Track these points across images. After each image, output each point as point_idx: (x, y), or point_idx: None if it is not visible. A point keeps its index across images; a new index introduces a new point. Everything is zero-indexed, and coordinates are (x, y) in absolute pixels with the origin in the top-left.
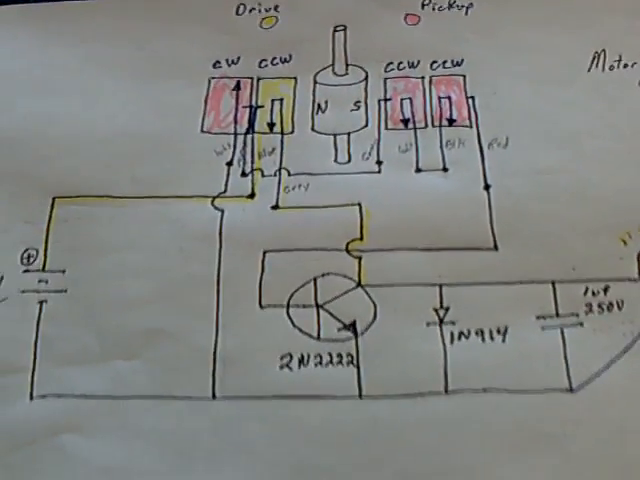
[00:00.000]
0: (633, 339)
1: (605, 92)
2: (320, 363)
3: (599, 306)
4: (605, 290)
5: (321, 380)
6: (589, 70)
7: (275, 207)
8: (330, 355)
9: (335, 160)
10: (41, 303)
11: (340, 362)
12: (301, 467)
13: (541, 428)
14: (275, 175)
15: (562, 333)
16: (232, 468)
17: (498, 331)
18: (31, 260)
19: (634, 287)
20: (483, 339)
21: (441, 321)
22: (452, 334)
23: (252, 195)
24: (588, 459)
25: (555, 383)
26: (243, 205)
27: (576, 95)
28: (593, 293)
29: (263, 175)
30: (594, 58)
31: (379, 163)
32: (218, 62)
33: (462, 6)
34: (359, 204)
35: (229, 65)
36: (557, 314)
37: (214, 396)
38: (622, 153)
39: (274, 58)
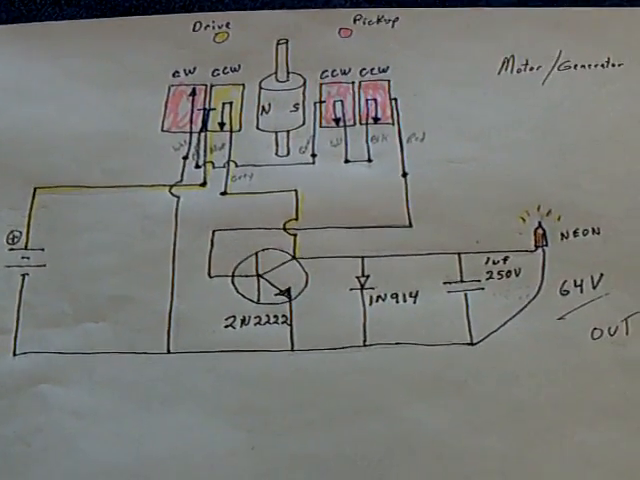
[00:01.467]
0: (528, 301)
1: (512, 92)
2: (259, 323)
3: (499, 273)
4: (505, 260)
5: (260, 337)
6: (499, 73)
7: (224, 193)
8: (268, 316)
9: (276, 153)
10: (23, 276)
11: (276, 322)
12: (243, 410)
13: (446, 376)
14: (224, 167)
15: (465, 296)
16: (184, 411)
17: (410, 294)
18: (15, 240)
19: (530, 257)
20: (397, 301)
21: (362, 287)
22: (371, 297)
23: (204, 184)
24: (486, 402)
25: (458, 338)
26: (196, 192)
27: (487, 95)
28: (494, 262)
29: (214, 167)
30: (504, 63)
31: (313, 156)
32: (177, 72)
33: (389, 20)
34: (295, 190)
35: (186, 74)
36: (461, 280)
37: (169, 351)
38: (525, 144)
39: (225, 68)
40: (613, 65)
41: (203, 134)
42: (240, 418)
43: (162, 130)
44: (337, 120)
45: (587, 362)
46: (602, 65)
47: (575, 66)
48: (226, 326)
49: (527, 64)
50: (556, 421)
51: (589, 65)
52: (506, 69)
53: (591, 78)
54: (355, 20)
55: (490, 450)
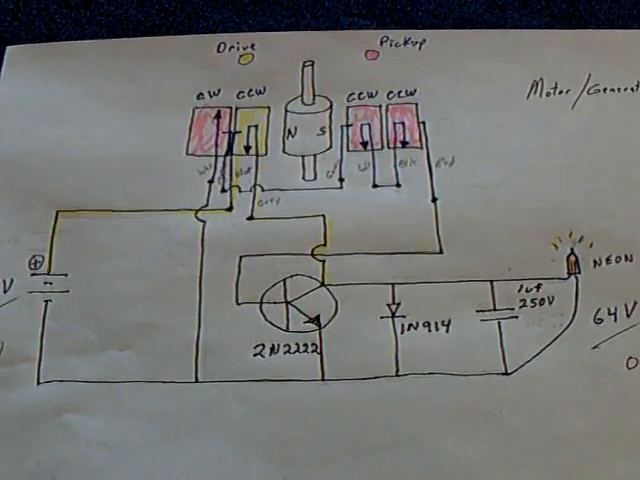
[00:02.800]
0: (562, 330)
1: (541, 116)
2: (288, 351)
3: (532, 301)
4: (538, 287)
5: (289, 366)
6: (528, 97)
7: (250, 218)
8: (297, 345)
9: (303, 178)
10: (46, 302)
11: (306, 350)
12: (273, 441)
13: (480, 406)
14: (250, 191)
15: (499, 324)
16: (212, 442)
17: (442, 323)
18: (38, 265)
19: (563, 285)
20: (429, 330)
21: (393, 315)
22: (402, 326)
23: (230, 208)
24: (521, 434)
25: (492, 367)
26: (222, 217)
27: (515, 119)
28: (527, 290)
29: (240, 191)
30: (533, 86)
31: (341, 180)
32: (201, 94)
33: (416, 42)
34: (323, 215)
35: (211, 96)
36: (494, 308)
37: (197, 380)
38: (554, 169)
39: (250, 90)
40: None
41: (229, 158)
42: (271, 450)
43: (187, 153)
44: (364, 144)
45: (623, 392)
46: (632, 89)
47: (604, 90)
48: (255, 354)
49: (556, 87)
50: (592, 453)
51: (618, 89)
52: (535, 92)
53: (621, 102)
54: (382, 42)
55: None
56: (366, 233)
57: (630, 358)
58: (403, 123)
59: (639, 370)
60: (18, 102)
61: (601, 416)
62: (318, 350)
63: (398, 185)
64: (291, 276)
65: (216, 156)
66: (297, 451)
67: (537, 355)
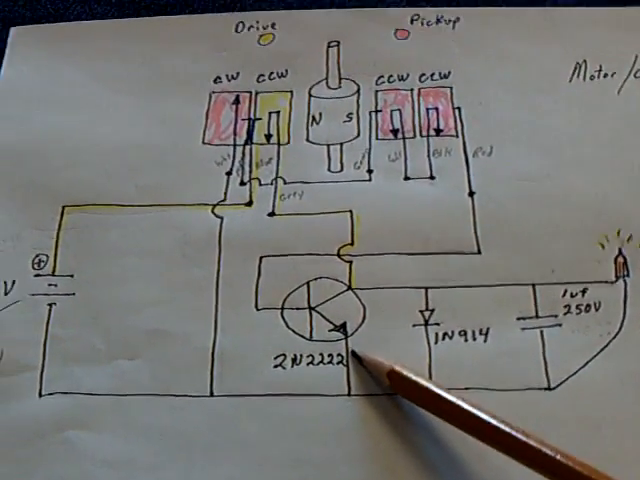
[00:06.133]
0: (610, 339)
1: (586, 101)
2: (312, 362)
3: (577, 307)
4: (583, 292)
5: (312, 379)
6: (570, 80)
7: (271, 214)
8: (321, 355)
9: (328, 169)
10: (50, 305)
11: (330, 362)
12: (294, 461)
13: (521, 425)
14: (272, 184)
15: (541, 333)
16: (229, 462)
17: (480, 332)
18: (41, 265)
19: (611, 289)
20: (466, 339)
21: (426, 322)
22: (437, 335)
23: (250, 203)
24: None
25: (534, 382)
26: (241, 212)
27: (558, 104)
28: (572, 295)
29: (260, 184)
30: (575, 68)
31: (370, 172)
32: (219, 78)
33: (449, 20)
34: (350, 211)
35: (229, 80)
36: (537, 315)
37: (212, 394)
38: (602, 160)
39: (271, 73)
40: None
41: (248, 147)
42: (291, 470)
43: (203, 142)
44: (395, 132)
45: None
46: None
47: None
48: (275, 366)
49: (601, 70)
50: None
51: None
52: (578, 76)
53: None
54: (412, 20)
55: None
56: (397, 231)
57: None
58: (437, 109)
59: None
60: (23, 87)
61: None
62: (344, 361)
63: (432, 177)
64: (315, 279)
65: (234, 145)
66: (320, 473)
67: (582, 367)
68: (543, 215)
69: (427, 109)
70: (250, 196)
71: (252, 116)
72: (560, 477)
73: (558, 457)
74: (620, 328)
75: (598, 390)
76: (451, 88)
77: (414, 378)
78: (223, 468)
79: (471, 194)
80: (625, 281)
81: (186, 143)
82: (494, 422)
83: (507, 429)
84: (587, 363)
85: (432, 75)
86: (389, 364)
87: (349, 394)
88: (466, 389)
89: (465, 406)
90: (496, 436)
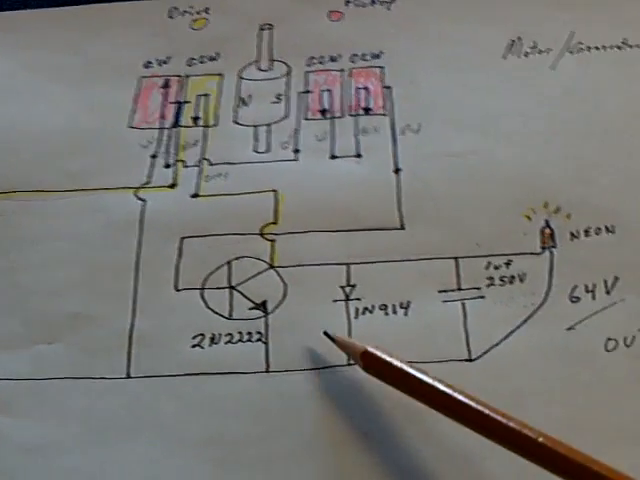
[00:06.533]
0: (533, 310)
1: (519, 77)
2: (230, 341)
3: (501, 279)
4: (508, 264)
5: (231, 357)
6: (505, 57)
7: (195, 195)
8: (240, 333)
9: (255, 150)
10: None
11: (250, 339)
12: (212, 440)
13: None
14: (196, 166)
15: (463, 306)
16: (147, 443)
17: (401, 305)
18: None
19: (536, 260)
20: (386, 313)
21: (347, 298)
22: (357, 310)
23: (174, 185)
24: None
25: (455, 353)
26: (164, 195)
27: (491, 82)
28: (495, 267)
29: (185, 166)
30: (510, 46)
31: (296, 151)
32: (149, 62)
33: (384, 2)
34: (274, 190)
35: (160, 65)
36: (459, 288)
37: (129, 376)
38: (531, 134)
39: (202, 57)
40: (631, 46)
41: (175, 130)
42: (208, 450)
43: (130, 126)
44: (324, 112)
45: (601, 377)
46: (618, 47)
47: (588, 48)
48: (193, 346)
49: (535, 47)
50: (486, 473)
51: (604, 46)
52: (512, 53)
53: (606, 61)
54: (347, 2)
55: None
56: (321, 209)
57: (609, 340)
58: (367, 88)
59: (619, 353)
60: None
61: (577, 405)
62: (263, 339)
63: (358, 156)
64: (237, 258)
65: (161, 129)
66: (238, 451)
67: (505, 339)
68: (469, 190)
69: (357, 89)
70: (174, 178)
71: (180, 99)
72: (547, 463)
73: (541, 440)
74: (545, 299)
75: (521, 361)
76: (382, 68)
77: (388, 359)
78: (141, 450)
79: (397, 171)
80: (551, 252)
81: (112, 127)
82: (473, 404)
83: (494, 415)
84: (510, 334)
85: (364, 56)
86: (362, 345)
87: (267, 371)
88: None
89: (440, 386)
90: (479, 420)
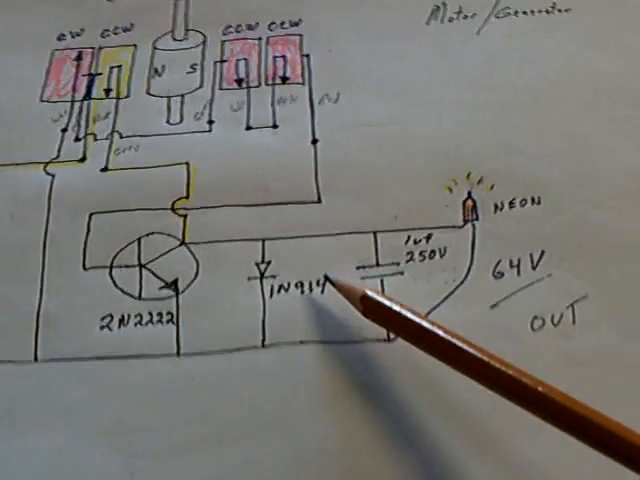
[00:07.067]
0: (455, 286)
1: (442, 44)
2: (140, 322)
3: (420, 254)
4: (428, 238)
5: (140, 339)
6: (428, 23)
7: (104, 169)
8: (150, 314)
9: (167, 121)
10: None
11: (160, 321)
12: (121, 427)
13: (358, 380)
14: (107, 138)
15: (382, 282)
16: (53, 430)
17: (318, 283)
18: None
19: (458, 234)
20: (302, 291)
21: (262, 275)
22: (272, 287)
23: (83, 159)
24: (407, 409)
25: (373, 332)
26: (73, 169)
27: (412, 49)
28: (415, 241)
29: (96, 139)
30: (433, 11)
31: (210, 122)
32: (62, 35)
33: None
34: (187, 163)
35: (73, 37)
36: (377, 263)
37: (36, 359)
38: (456, 103)
39: (116, 28)
40: (560, 10)
41: (86, 102)
42: (117, 438)
43: (41, 100)
44: (239, 81)
45: (526, 358)
46: (547, 11)
47: (516, 12)
48: (102, 327)
49: (460, 12)
50: (490, 431)
51: (532, 11)
52: (436, 18)
53: (534, 26)
54: None
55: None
56: (235, 182)
57: (535, 318)
58: (284, 57)
59: (546, 332)
60: None
61: None
62: (174, 320)
63: (275, 126)
64: (147, 235)
65: (73, 101)
66: (148, 439)
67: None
68: (388, 161)
69: (274, 57)
70: (84, 152)
71: (93, 71)
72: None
73: (540, 389)
74: (467, 274)
75: None
76: (301, 36)
77: (387, 303)
78: (47, 436)
79: (314, 142)
80: (474, 225)
81: (23, 101)
82: (471, 350)
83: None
84: (430, 312)
85: (282, 23)
86: (361, 289)
87: (178, 354)
88: (301, 343)
89: (438, 332)
90: (477, 366)
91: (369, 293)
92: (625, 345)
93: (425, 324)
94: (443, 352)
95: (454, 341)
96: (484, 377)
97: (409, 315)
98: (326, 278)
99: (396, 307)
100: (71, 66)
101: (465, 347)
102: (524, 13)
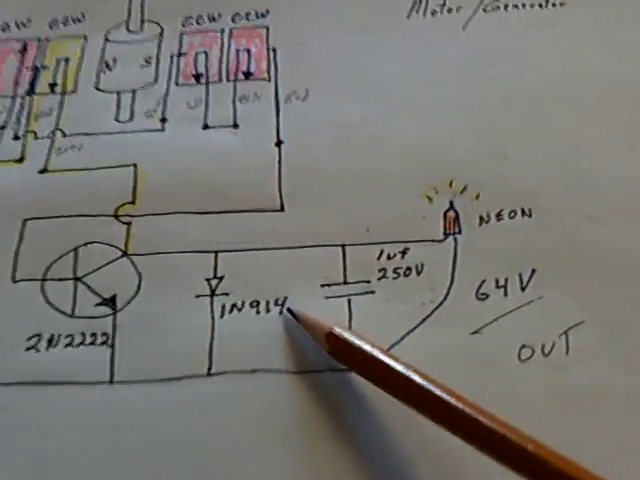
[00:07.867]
0: (433, 309)
1: (425, 39)
2: (71, 344)
3: (395, 271)
4: (403, 253)
5: (70, 364)
6: (408, 17)
7: (43, 171)
8: (83, 335)
9: (116, 119)
10: None
11: (93, 342)
12: (39, 465)
13: (318, 412)
14: (49, 137)
15: (349, 303)
16: None
17: (276, 302)
18: None
19: (437, 249)
20: (258, 311)
21: (213, 292)
22: (224, 307)
23: (21, 159)
24: (377, 447)
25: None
26: (9, 170)
27: (391, 43)
28: (389, 257)
29: (36, 138)
30: (414, 4)
31: (163, 121)
32: (7, 25)
33: None
34: (134, 165)
35: (18, 28)
36: (345, 281)
37: None
38: (439, 103)
39: (66, 18)
40: (554, 5)
41: (29, 98)
42: (38, 477)
43: None
44: (198, 76)
45: (512, 392)
46: (539, 5)
47: (506, 6)
48: (28, 348)
49: (444, 4)
50: (468, 463)
51: (523, 5)
52: (417, 11)
53: (525, 21)
54: None
55: None
56: (188, 187)
57: (523, 347)
58: (249, 50)
59: (535, 363)
60: None
61: None
62: (109, 342)
63: (235, 126)
64: (85, 244)
65: (14, 96)
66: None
67: (397, 343)
68: (361, 166)
69: (238, 51)
70: (22, 152)
71: (38, 64)
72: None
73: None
74: (446, 295)
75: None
76: (268, 28)
77: (357, 343)
78: None
79: (279, 144)
80: (455, 239)
81: None
82: (453, 402)
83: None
84: (403, 338)
85: (247, 15)
86: (328, 325)
87: (111, 381)
88: (253, 371)
89: (416, 378)
90: (458, 421)
91: (336, 330)
92: (625, 379)
93: (401, 369)
94: (419, 403)
95: (434, 390)
96: (465, 433)
97: (386, 360)
98: (289, 311)
99: (367, 347)
100: (14, 59)
101: (453, 402)
102: (515, 7)
